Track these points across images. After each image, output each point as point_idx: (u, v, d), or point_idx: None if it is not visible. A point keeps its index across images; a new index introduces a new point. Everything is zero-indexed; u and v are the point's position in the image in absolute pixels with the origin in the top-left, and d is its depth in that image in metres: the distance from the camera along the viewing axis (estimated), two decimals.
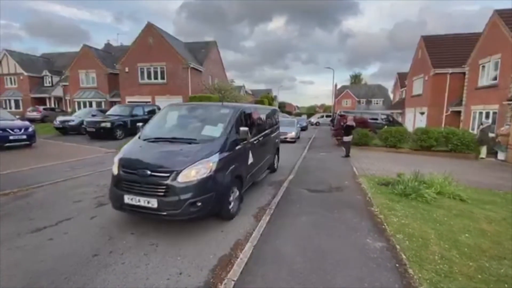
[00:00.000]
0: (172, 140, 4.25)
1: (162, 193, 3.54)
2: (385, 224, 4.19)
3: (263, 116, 6.40)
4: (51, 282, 2.74)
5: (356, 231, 3.98)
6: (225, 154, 4.05)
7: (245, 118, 5.10)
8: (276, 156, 7.81)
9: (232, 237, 3.81)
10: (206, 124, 4.55)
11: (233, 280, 2.75)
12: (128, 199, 3.67)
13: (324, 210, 4.82)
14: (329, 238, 3.77)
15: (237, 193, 4.45)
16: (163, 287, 2.69)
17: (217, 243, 3.64)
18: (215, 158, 3.84)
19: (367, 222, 4.31)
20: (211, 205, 3.76)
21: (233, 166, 4.23)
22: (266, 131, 6.45)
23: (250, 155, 5.07)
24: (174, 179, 3.54)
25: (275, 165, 7.74)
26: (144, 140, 4.41)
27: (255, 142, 5.43)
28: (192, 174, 3.60)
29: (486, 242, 3.69)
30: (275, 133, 7.53)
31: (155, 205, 3.53)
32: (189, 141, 4.14)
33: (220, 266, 3.08)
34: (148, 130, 4.78)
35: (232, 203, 4.26)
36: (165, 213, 3.56)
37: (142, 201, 3.59)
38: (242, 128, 4.55)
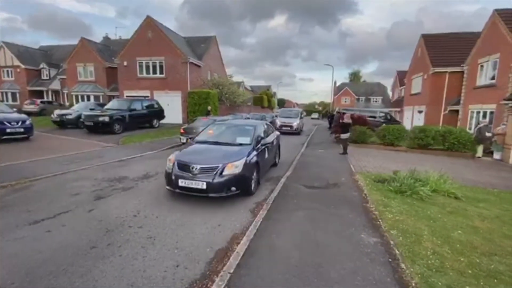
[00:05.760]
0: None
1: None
2: (380, 220, 4.25)
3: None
4: (49, 272, 2.78)
5: (351, 227, 4.04)
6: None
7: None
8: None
9: (228, 231, 3.86)
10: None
11: (229, 273, 2.80)
12: None
13: (320, 206, 4.87)
14: (324, 233, 3.83)
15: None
16: (160, 279, 2.74)
17: (214, 236, 3.69)
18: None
19: (363, 218, 4.37)
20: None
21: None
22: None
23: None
24: None
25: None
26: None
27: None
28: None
29: (478, 238, 3.76)
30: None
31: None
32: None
33: (216, 259, 3.13)
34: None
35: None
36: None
37: None
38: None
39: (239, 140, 5.97)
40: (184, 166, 4.89)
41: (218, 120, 11.47)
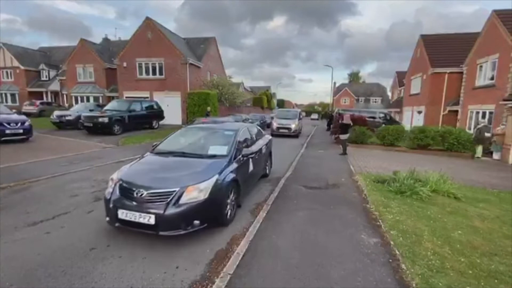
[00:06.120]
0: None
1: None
2: (380, 220, 4.25)
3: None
4: (48, 274, 2.77)
5: (351, 227, 4.03)
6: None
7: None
8: None
9: (228, 232, 3.85)
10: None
11: (229, 274, 2.79)
12: None
13: (320, 207, 4.87)
14: (324, 233, 3.82)
15: None
16: (160, 281, 2.73)
17: (214, 237, 3.67)
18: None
19: (363, 219, 4.36)
20: None
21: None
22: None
23: None
24: None
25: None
26: None
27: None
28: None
29: (478, 239, 3.76)
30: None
31: None
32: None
33: (216, 260, 3.12)
34: None
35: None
36: None
37: None
38: None
39: (213, 150, 4.57)
40: (126, 190, 3.53)
41: (218, 121, 11.24)
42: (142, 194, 3.40)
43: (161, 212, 3.28)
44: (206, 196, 3.51)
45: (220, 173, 3.88)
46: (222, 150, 4.55)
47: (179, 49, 21.20)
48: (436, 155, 11.54)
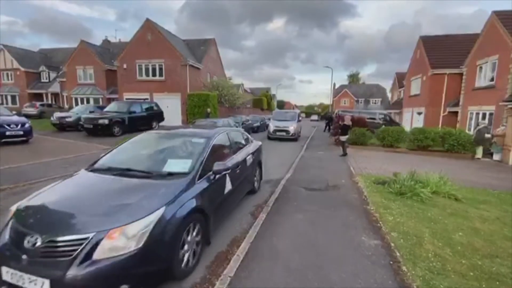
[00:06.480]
0: None
1: None
2: (380, 222, 4.24)
3: None
4: None
5: (352, 229, 4.02)
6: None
7: None
8: None
9: (228, 234, 3.84)
10: None
11: (230, 276, 2.78)
12: None
13: (320, 208, 4.86)
14: (325, 235, 3.81)
15: None
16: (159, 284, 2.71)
17: (214, 239, 3.65)
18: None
19: (363, 220, 4.35)
20: None
21: None
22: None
23: None
24: None
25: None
26: None
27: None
28: None
29: (479, 240, 3.74)
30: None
31: None
32: None
33: (216, 263, 3.11)
34: None
35: None
36: None
37: None
38: None
39: (171, 165, 3.35)
40: (17, 234, 2.31)
41: (218, 122, 11.13)
42: (35, 243, 2.16)
43: (61, 274, 2.03)
44: (141, 244, 2.24)
45: (170, 203, 2.62)
46: (184, 165, 3.31)
47: (179, 50, 21.25)
48: (436, 156, 11.53)
